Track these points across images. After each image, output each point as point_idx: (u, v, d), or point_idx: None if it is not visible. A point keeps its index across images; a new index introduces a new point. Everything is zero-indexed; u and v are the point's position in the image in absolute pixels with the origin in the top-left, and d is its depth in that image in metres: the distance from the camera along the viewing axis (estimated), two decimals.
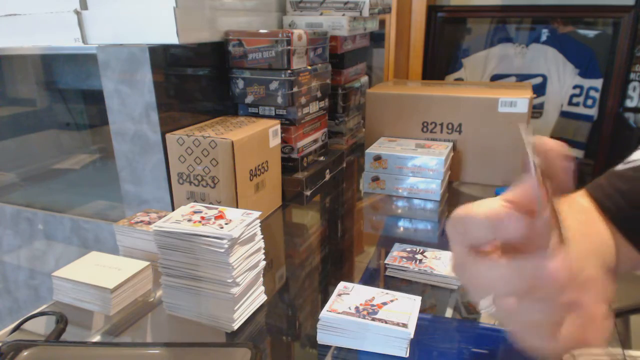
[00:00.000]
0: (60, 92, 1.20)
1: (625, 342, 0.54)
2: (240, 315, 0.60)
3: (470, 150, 1.08)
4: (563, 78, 1.65)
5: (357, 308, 0.55)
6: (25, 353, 0.52)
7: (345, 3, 1.14)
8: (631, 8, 1.50)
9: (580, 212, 0.41)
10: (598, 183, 0.45)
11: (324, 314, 0.55)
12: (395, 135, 1.13)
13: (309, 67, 0.99)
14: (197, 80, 0.91)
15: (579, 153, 1.65)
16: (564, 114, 1.66)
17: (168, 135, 0.83)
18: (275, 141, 0.93)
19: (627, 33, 1.52)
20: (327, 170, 1.07)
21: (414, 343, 0.53)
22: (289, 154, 0.99)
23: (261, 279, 0.63)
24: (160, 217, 0.75)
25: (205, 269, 0.57)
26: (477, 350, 0.54)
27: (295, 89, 0.93)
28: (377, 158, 1.01)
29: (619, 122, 1.63)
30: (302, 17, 1.13)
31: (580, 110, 1.64)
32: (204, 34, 0.90)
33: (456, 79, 1.76)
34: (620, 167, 0.45)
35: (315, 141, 1.06)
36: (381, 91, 1.15)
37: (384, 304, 0.56)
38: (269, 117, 0.96)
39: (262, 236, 0.62)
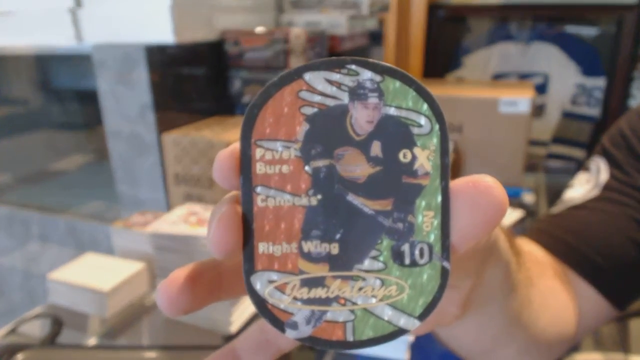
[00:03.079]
0: (55, 92, 1.19)
1: (626, 347, 0.53)
2: (238, 318, 0.59)
3: (471, 151, 1.07)
4: (565, 77, 1.63)
5: None
6: (19, 356, 0.51)
7: (344, 1, 1.13)
8: (635, 6, 1.49)
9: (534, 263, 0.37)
10: (540, 229, 0.42)
11: None
12: None
13: None
14: (194, 79, 0.90)
15: (581, 153, 1.63)
16: (566, 114, 1.65)
17: (164, 136, 0.82)
18: None
19: (631, 31, 1.51)
20: None
21: (414, 346, 0.53)
22: None
23: None
24: (156, 219, 0.74)
25: None
26: None
27: None
28: None
29: None
30: (300, 16, 1.12)
31: (583, 110, 1.63)
32: (201, 33, 0.89)
33: (457, 78, 1.74)
34: (557, 209, 0.43)
35: None
36: None
37: None
38: None
39: None
